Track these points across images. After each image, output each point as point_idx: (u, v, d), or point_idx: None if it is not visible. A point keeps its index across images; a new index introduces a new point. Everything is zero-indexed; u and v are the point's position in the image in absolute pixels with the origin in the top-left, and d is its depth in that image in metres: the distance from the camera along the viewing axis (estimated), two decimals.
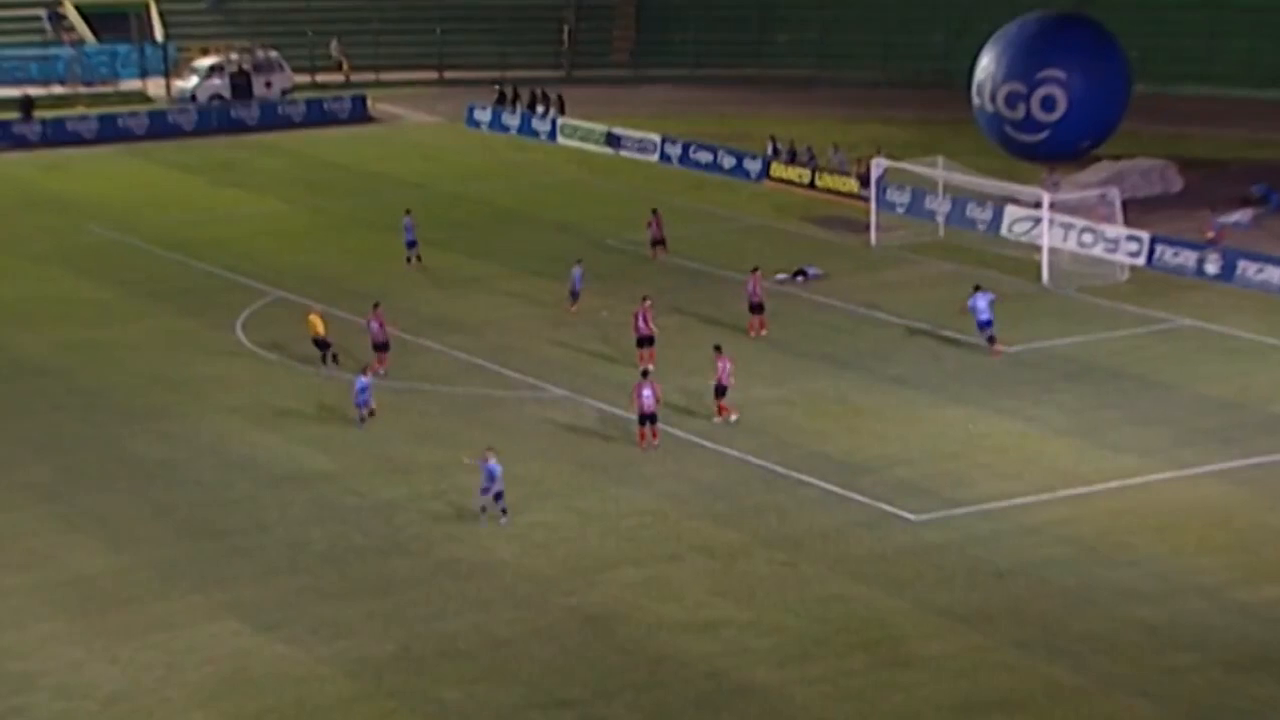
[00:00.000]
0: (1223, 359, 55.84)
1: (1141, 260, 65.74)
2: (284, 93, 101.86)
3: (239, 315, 61.41)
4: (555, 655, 37.60)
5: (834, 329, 59.40)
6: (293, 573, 41.73)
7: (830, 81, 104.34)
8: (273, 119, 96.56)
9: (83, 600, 40.45)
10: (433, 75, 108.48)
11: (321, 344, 55.49)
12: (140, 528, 44.35)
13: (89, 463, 48.64)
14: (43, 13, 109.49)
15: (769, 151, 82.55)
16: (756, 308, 58.39)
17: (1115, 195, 67.55)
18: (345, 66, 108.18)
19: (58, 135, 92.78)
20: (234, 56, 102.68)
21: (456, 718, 35.46)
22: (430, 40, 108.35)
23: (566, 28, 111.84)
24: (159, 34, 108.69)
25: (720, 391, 50.64)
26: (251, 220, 76.38)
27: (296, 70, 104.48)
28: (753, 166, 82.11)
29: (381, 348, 54.97)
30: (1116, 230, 66.41)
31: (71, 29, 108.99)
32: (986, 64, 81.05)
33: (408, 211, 68.59)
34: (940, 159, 70.33)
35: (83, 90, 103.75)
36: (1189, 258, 65.11)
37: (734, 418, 50.37)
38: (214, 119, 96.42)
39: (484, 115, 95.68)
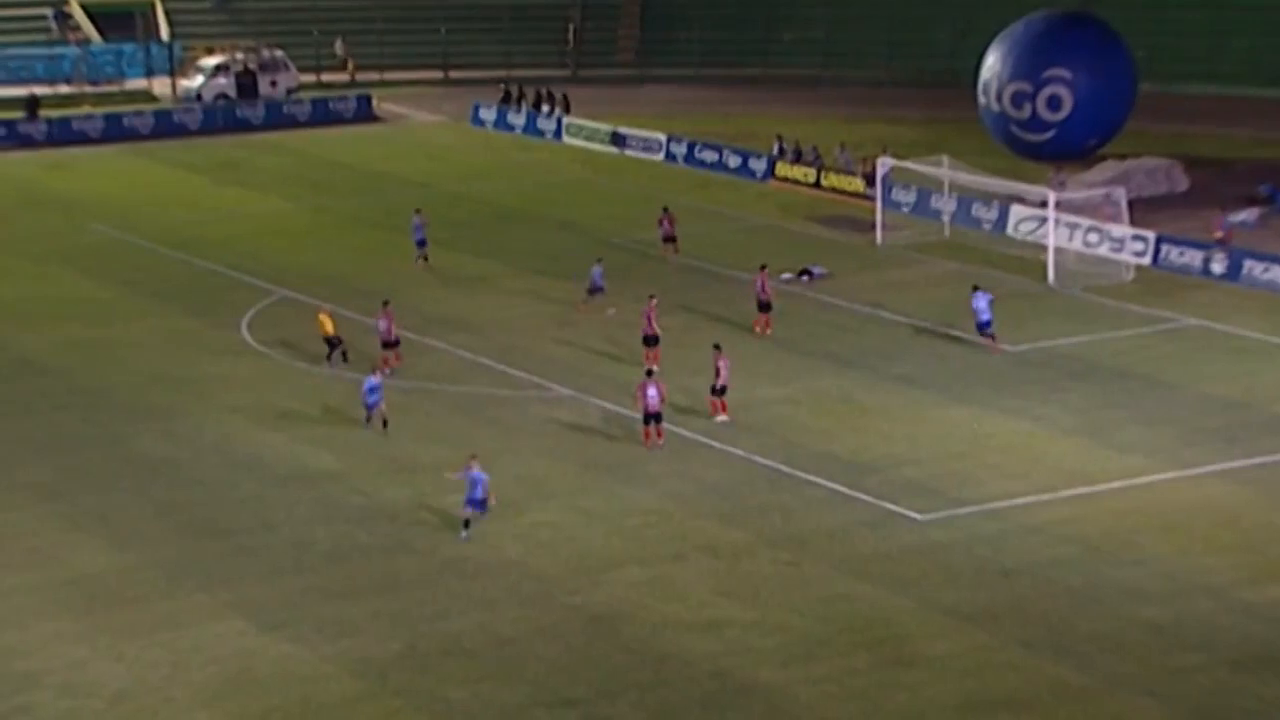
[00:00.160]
0: (1228, 358, 55.77)
1: (1147, 260, 65.68)
2: (289, 92, 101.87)
3: (244, 314, 61.36)
4: (560, 654, 37.55)
5: (839, 328, 59.35)
6: (298, 572, 41.69)
7: (835, 81, 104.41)
8: (278, 118, 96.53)
9: (87, 599, 40.37)
10: (438, 75, 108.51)
11: (332, 342, 55.49)
12: (144, 527, 44.27)
13: (92, 462, 48.56)
14: (48, 12, 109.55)
15: (774, 151, 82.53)
16: (764, 306, 58.35)
17: (1121, 194, 67.53)
18: (350, 66, 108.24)
19: (63, 134, 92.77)
20: (239, 56, 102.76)
21: (461, 716, 35.40)
22: (435, 40, 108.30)
23: (572, 27, 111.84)
24: (164, 33, 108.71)
25: (719, 390, 50.57)
26: (256, 219, 76.33)
27: (302, 69, 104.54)
28: (758, 166, 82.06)
29: (391, 345, 54.95)
30: (1122, 230, 66.37)
31: (77, 28, 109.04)
32: (992, 63, 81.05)
33: (418, 210, 68.33)
34: (946, 158, 70.32)
35: (88, 89, 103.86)
36: (1195, 257, 65.05)
37: (724, 418, 50.20)
38: (219, 118, 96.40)
39: (489, 115, 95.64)
